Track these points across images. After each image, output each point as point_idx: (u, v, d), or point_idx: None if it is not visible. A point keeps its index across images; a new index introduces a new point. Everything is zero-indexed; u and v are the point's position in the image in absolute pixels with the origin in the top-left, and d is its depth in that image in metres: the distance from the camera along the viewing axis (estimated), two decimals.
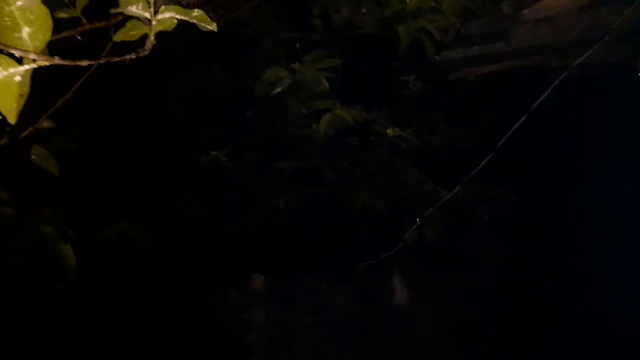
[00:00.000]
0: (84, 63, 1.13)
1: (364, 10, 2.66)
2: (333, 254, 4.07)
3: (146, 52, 1.14)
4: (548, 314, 4.00)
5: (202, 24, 1.13)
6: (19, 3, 0.90)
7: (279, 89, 2.26)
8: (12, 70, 0.92)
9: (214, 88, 3.62)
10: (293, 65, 2.27)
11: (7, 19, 0.90)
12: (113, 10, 1.16)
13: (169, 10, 1.17)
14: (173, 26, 1.15)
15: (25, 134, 1.78)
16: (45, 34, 0.93)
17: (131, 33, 1.15)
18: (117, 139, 3.39)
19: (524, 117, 2.61)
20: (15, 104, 0.93)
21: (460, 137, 3.85)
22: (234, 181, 3.67)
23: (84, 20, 1.71)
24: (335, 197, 4.00)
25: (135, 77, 3.58)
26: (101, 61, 1.20)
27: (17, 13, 0.90)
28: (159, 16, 1.16)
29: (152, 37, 1.15)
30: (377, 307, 4.36)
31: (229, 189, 3.76)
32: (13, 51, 0.94)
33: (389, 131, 3.24)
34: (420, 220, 3.60)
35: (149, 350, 3.40)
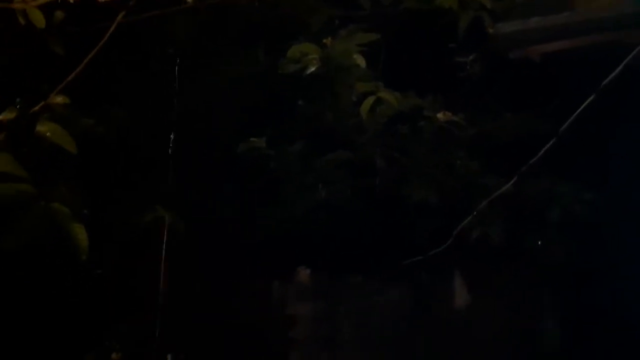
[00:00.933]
0: None
1: None
2: (384, 251, 3.85)
3: None
4: (622, 326, 3.54)
5: None
6: None
7: (306, 67, 2.09)
8: None
9: (258, 74, 3.52)
10: (325, 40, 2.10)
11: None
12: None
13: None
14: None
15: (36, 108, 1.76)
16: None
17: None
18: (154, 121, 3.38)
19: (592, 97, 2.27)
20: None
21: (525, 124, 3.49)
22: (277, 171, 3.56)
23: None
24: (386, 190, 3.78)
25: (179, 60, 3.58)
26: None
27: None
28: None
29: None
30: (432, 309, 4.08)
31: (272, 179, 3.65)
32: None
33: (440, 115, 2.97)
34: (475, 214, 3.29)
35: (187, 342, 3.37)
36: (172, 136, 3.63)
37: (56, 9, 2.22)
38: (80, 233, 1.82)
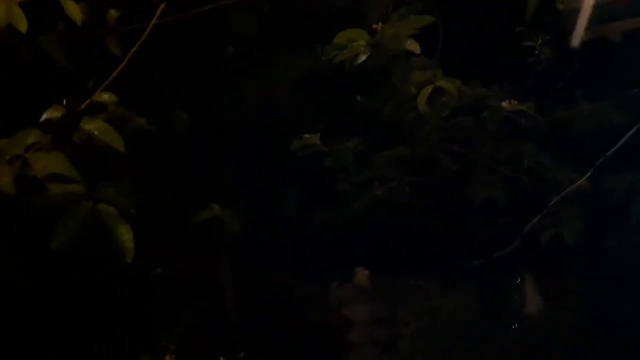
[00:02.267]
0: None
1: None
2: (447, 252, 3.65)
3: None
4: None
5: None
6: None
7: (357, 55, 1.96)
8: None
9: (315, 69, 3.42)
10: (375, 26, 1.96)
11: None
12: None
13: None
14: None
15: (83, 106, 1.75)
16: None
17: None
18: (212, 119, 3.36)
19: None
20: None
21: (603, 114, 3.16)
22: (333, 168, 3.44)
23: None
24: (450, 188, 3.57)
25: (239, 57, 3.56)
26: None
27: None
28: None
29: None
30: (500, 314, 3.82)
31: (329, 177, 3.55)
32: None
33: (505, 105, 2.73)
34: (547, 213, 3.02)
35: (244, 344, 3.33)
36: (230, 134, 3.64)
37: (109, 7, 2.23)
38: (126, 234, 1.79)
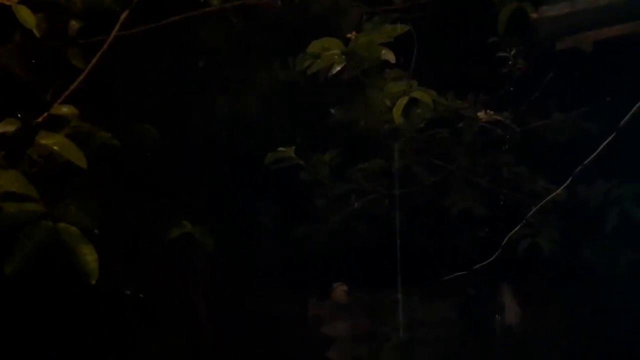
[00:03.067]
0: None
1: None
2: (426, 265, 3.61)
3: None
4: None
5: None
6: None
7: (331, 65, 1.91)
8: None
9: (290, 82, 3.37)
10: (348, 35, 1.92)
11: None
12: None
13: None
14: None
15: (40, 120, 1.65)
16: None
17: None
18: (183, 133, 3.27)
19: None
20: None
21: (577, 123, 3.19)
22: (309, 182, 3.38)
23: None
24: (428, 200, 3.54)
25: (208, 68, 3.48)
26: None
27: None
28: None
29: None
30: (480, 326, 3.79)
31: (304, 191, 3.48)
32: None
33: (481, 115, 2.72)
34: (525, 223, 3.01)
35: None
36: (202, 148, 3.55)
37: (70, 17, 2.14)
38: (90, 254, 1.68)
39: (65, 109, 1.70)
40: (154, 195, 2.92)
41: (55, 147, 1.67)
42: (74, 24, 2.13)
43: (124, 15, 1.75)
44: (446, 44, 3.13)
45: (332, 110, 3.72)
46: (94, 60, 1.76)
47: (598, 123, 3.26)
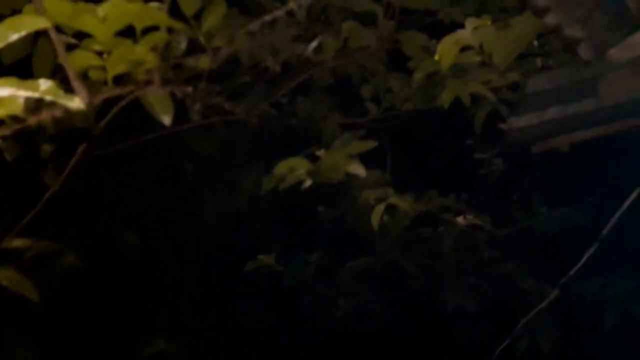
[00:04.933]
0: None
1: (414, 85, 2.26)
2: None
3: None
4: None
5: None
6: None
7: (289, 184, 1.88)
8: None
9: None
10: (318, 152, 1.91)
11: None
12: None
13: None
14: None
15: None
16: None
17: None
18: (165, 241, 3.20)
19: (636, 193, 1.97)
20: None
21: (563, 219, 3.14)
22: (293, 288, 3.27)
23: None
24: (417, 298, 3.42)
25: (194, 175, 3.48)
26: None
27: None
28: None
29: None
30: None
31: (289, 294, 3.36)
32: None
33: (460, 220, 2.68)
34: (525, 323, 2.88)
35: None
36: (187, 251, 3.47)
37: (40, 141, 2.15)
38: None
39: (18, 242, 1.65)
40: (123, 314, 2.79)
41: (4, 282, 1.60)
42: (46, 148, 2.13)
43: (81, 148, 1.74)
44: (425, 146, 3.16)
45: (320, 208, 3.69)
46: (56, 184, 1.72)
47: (585, 216, 3.22)
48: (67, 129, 2.14)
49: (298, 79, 2.32)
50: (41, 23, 1.09)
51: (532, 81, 1.97)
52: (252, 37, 2.05)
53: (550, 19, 1.84)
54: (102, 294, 2.62)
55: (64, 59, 1.38)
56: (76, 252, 2.30)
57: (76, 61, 1.47)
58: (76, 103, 1.18)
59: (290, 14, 2.08)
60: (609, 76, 1.89)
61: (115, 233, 2.94)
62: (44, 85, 1.12)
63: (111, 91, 1.55)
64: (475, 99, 2.31)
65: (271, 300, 3.64)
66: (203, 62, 1.86)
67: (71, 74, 1.38)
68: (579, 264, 2.32)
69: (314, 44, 2.13)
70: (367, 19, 2.14)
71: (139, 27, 1.45)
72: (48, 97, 1.15)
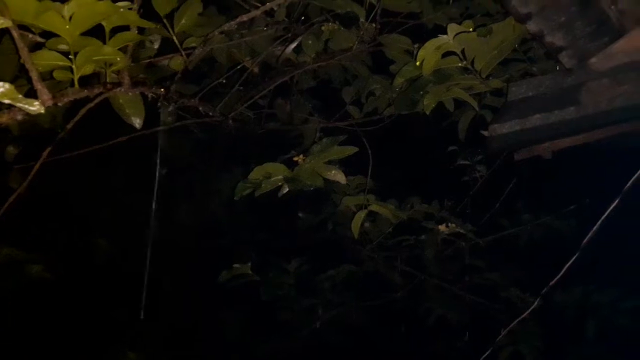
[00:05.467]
0: None
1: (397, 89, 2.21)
2: None
3: None
4: None
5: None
6: None
7: (265, 190, 1.82)
8: None
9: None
10: (296, 158, 1.85)
11: None
12: None
13: None
14: None
15: None
16: None
17: None
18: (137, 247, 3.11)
19: (616, 201, 1.95)
20: None
21: (546, 226, 3.12)
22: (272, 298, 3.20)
23: None
24: (399, 306, 3.37)
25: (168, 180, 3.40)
26: None
27: None
28: None
29: None
30: None
31: (267, 305, 3.28)
32: None
33: (442, 228, 2.64)
34: (507, 332, 2.85)
35: None
36: (163, 259, 3.38)
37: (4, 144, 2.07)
38: None
39: None
40: (91, 325, 2.69)
41: None
42: (11, 150, 2.05)
43: (45, 152, 1.66)
44: (409, 152, 3.12)
45: (300, 214, 3.62)
46: (21, 188, 1.64)
47: (568, 224, 3.21)
48: (33, 131, 2.06)
49: (277, 81, 2.26)
50: (1, 22, 1.03)
51: (515, 88, 1.94)
52: (229, 37, 1.99)
53: (532, 26, 1.81)
54: (69, 304, 2.52)
55: (27, 59, 1.30)
56: (43, 260, 2.20)
57: (41, 61, 1.40)
58: (36, 107, 1.11)
59: (270, 14, 2.02)
60: (591, 84, 1.87)
61: (84, 239, 2.84)
62: (1, 88, 1.05)
63: (78, 93, 1.48)
64: (460, 104, 2.28)
65: (249, 310, 3.56)
66: (176, 63, 1.80)
67: (33, 75, 1.31)
68: (560, 274, 2.29)
69: (294, 44, 2.08)
70: (348, 21, 2.09)
71: (107, 26, 1.39)
72: (5, 101, 1.08)
